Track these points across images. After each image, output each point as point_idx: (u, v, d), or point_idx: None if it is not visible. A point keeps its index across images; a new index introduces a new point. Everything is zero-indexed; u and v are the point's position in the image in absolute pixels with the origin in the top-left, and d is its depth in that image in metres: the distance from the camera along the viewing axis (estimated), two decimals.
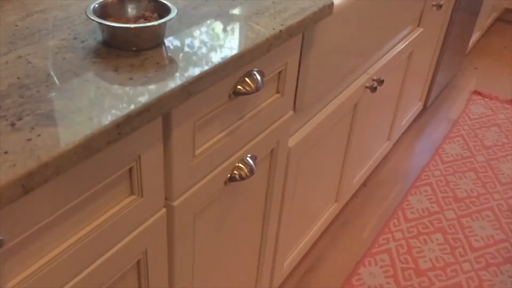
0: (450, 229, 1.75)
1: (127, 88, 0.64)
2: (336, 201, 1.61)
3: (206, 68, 0.71)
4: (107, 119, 0.58)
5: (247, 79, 0.83)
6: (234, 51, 0.76)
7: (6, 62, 0.68)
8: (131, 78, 0.66)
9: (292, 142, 1.12)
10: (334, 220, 1.76)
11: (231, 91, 0.82)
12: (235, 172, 0.91)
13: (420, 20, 1.71)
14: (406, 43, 1.60)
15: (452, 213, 1.82)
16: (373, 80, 1.41)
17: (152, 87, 0.65)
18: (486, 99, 2.53)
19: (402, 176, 2.00)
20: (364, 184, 1.93)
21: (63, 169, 0.54)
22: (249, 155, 0.95)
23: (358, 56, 1.29)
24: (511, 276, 1.61)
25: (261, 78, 0.85)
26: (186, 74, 0.69)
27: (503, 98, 2.54)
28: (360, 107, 1.43)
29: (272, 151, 1.04)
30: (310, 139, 1.20)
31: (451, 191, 1.92)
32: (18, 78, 0.65)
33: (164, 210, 0.78)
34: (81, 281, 0.66)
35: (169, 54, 0.73)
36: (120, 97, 0.63)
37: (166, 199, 0.79)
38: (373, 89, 1.39)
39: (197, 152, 0.80)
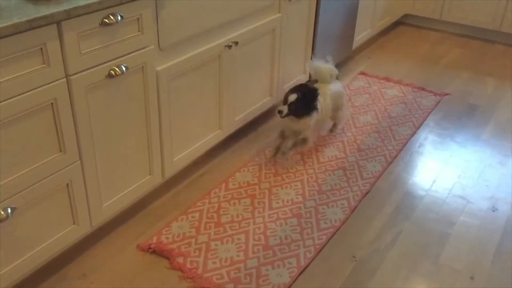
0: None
1: (38, 8, 1.41)
2: (220, 129, 2.35)
3: (80, 4, 1.47)
4: (27, 16, 1.34)
5: (111, 16, 1.59)
6: None
7: None
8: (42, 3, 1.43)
9: (160, 67, 1.87)
10: (227, 146, 2.51)
11: (100, 22, 1.58)
12: (112, 72, 1.66)
13: (279, 8, 2.48)
14: (264, 21, 2.37)
15: (312, 144, 2.54)
16: (231, 41, 2.18)
17: (50, 8, 1.42)
18: (367, 77, 3.29)
19: None
20: (255, 129, 2.67)
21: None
22: (124, 65, 1.69)
23: (213, 18, 2.05)
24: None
25: (121, 18, 1.61)
26: (68, 5, 1.45)
27: (381, 76, 3.29)
28: (224, 58, 2.19)
29: (143, 68, 1.79)
30: (177, 68, 1.96)
31: (317, 132, 2.65)
32: None
33: (64, 79, 1.52)
34: (11, 104, 1.41)
35: None
36: (35, 10, 1.39)
37: (67, 75, 1.53)
38: (229, 47, 2.15)
39: (82, 51, 1.55)
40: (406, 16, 4.21)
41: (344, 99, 2.63)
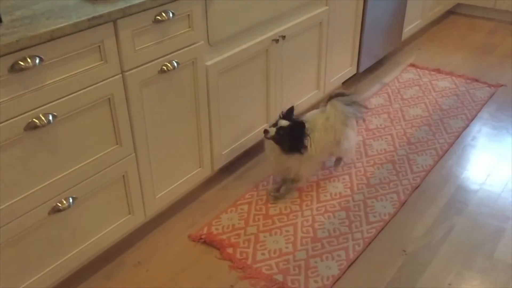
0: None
1: (95, 7, 1.48)
2: (267, 122, 2.36)
3: (135, 2, 1.53)
4: (86, 15, 1.41)
5: (163, 13, 1.64)
6: None
7: None
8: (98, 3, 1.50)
9: (209, 62, 1.91)
10: None
11: (153, 19, 1.63)
12: (164, 67, 1.71)
13: (327, 0, 2.47)
14: (311, 15, 2.37)
15: (360, 137, 2.52)
16: (278, 35, 2.19)
17: (107, 6, 1.48)
18: (417, 69, 3.21)
19: None
20: None
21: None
22: (175, 60, 1.74)
23: (260, 13, 2.07)
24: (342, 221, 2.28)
25: (172, 15, 1.66)
26: (123, 4, 1.51)
27: (432, 68, 3.21)
28: (271, 52, 2.21)
29: (193, 63, 1.84)
30: (226, 63, 2.00)
31: (366, 125, 2.62)
32: None
33: (120, 75, 1.59)
34: (72, 99, 1.49)
35: None
36: (93, 10, 1.46)
37: (122, 71, 1.60)
38: (277, 41, 2.16)
39: (137, 48, 1.61)
40: (458, 5, 4.08)
41: (344, 132, 2.21)
